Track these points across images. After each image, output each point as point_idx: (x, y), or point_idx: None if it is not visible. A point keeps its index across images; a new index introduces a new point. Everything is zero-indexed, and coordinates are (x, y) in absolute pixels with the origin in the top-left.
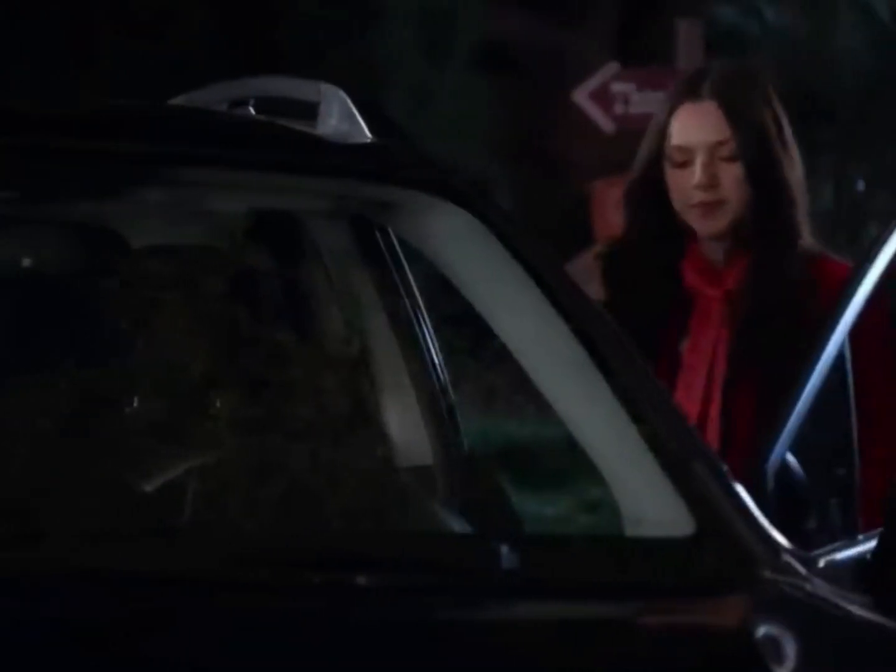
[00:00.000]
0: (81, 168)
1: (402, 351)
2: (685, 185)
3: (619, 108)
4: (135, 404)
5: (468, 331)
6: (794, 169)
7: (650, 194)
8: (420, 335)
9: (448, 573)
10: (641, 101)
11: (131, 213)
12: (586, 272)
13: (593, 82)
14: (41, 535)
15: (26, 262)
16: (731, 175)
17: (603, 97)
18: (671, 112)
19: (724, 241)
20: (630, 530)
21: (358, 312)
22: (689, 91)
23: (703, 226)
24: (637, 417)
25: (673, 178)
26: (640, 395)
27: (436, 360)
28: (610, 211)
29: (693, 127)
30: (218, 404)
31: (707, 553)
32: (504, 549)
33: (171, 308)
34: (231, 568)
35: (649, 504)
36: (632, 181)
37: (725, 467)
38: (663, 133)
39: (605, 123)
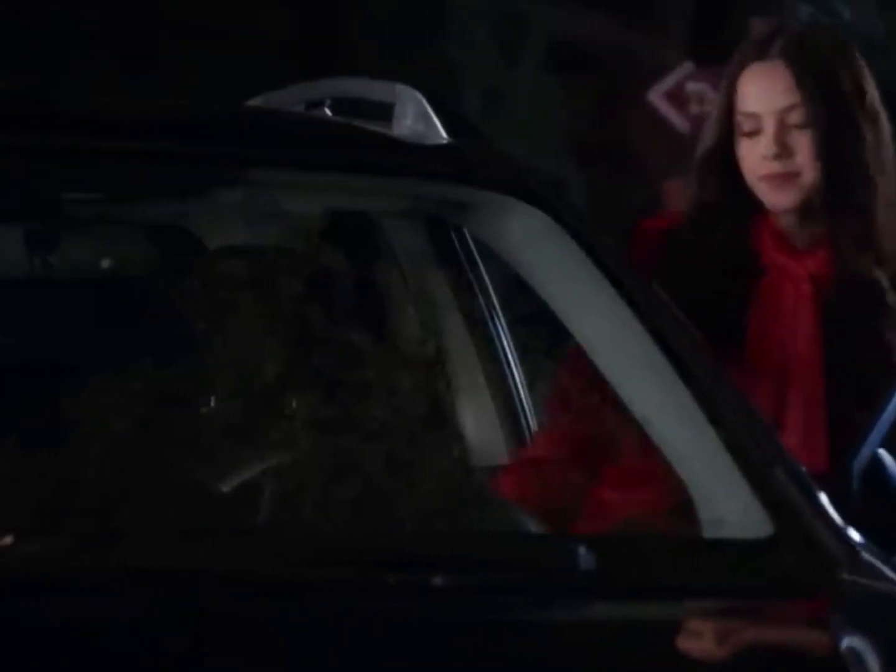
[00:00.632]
0: (159, 170)
1: (476, 351)
2: (754, 156)
3: (693, 108)
4: (211, 405)
5: (543, 331)
6: (880, 146)
7: (719, 166)
8: (495, 335)
9: (524, 573)
10: (716, 100)
11: (208, 215)
12: None
13: (668, 82)
14: (119, 536)
15: (105, 263)
16: (804, 144)
17: (678, 97)
18: (737, 74)
19: (796, 215)
20: (708, 532)
21: (433, 313)
22: (758, 50)
23: (773, 199)
24: (714, 418)
25: (742, 147)
26: (717, 396)
27: (510, 361)
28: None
29: (761, 91)
30: (294, 405)
31: (785, 554)
32: (581, 549)
33: (247, 309)
34: (307, 568)
35: (727, 505)
36: (701, 153)
37: (804, 468)
38: (731, 98)
39: (680, 123)
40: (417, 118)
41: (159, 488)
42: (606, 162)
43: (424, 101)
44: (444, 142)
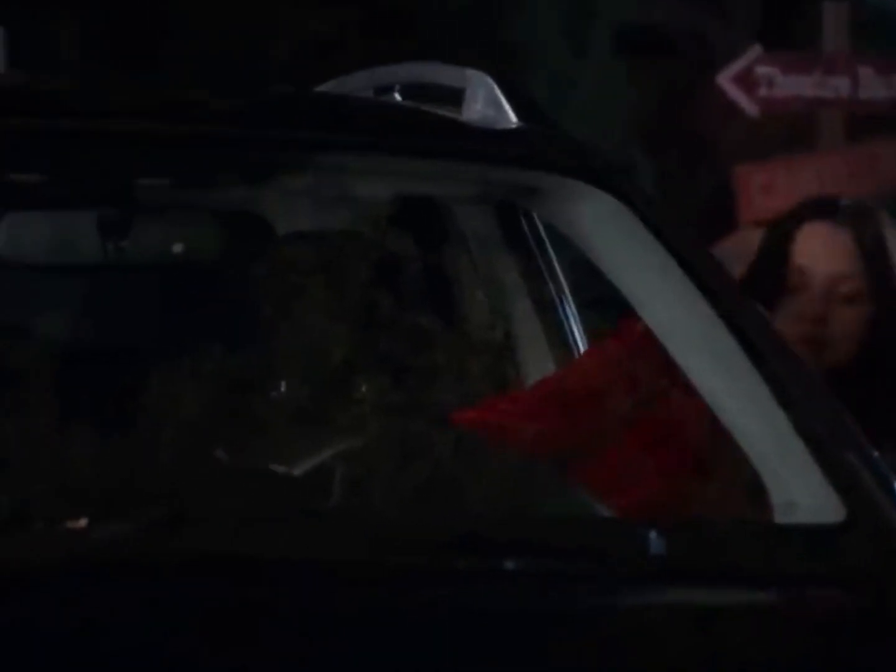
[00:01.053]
0: (230, 155)
1: (546, 336)
2: (791, 313)
3: (763, 92)
4: (281, 389)
5: (613, 316)
6: None
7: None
8: (564, 320)
9: (594, 559)
10: (786, 84)
11: (278, 200)
12: (731, 255)
13: (737, 66)
14: (189, 520)
15: (177, 248)
16: (847, 318)
17: (747, 81)
18: (798, 226)
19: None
20: (779, 517)
21: (502, 298)
22: (821, 210)
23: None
24: (786, 403)
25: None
26: (789, 381)
27: (580, 345)
28: (753, 194)
29: (820, 249)
30: (363, 389)
31: (857, 540)
32: (651, 534)
33: (316, 294)
34: (377, 553)
35: (799, 491)
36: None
37: (876, 453)
38: (784, 248)
39: (749, 107)
40: (488, 103)
41: (230, 473)
42: (675, 147)
43: (495, 86)
44: (515, 126)
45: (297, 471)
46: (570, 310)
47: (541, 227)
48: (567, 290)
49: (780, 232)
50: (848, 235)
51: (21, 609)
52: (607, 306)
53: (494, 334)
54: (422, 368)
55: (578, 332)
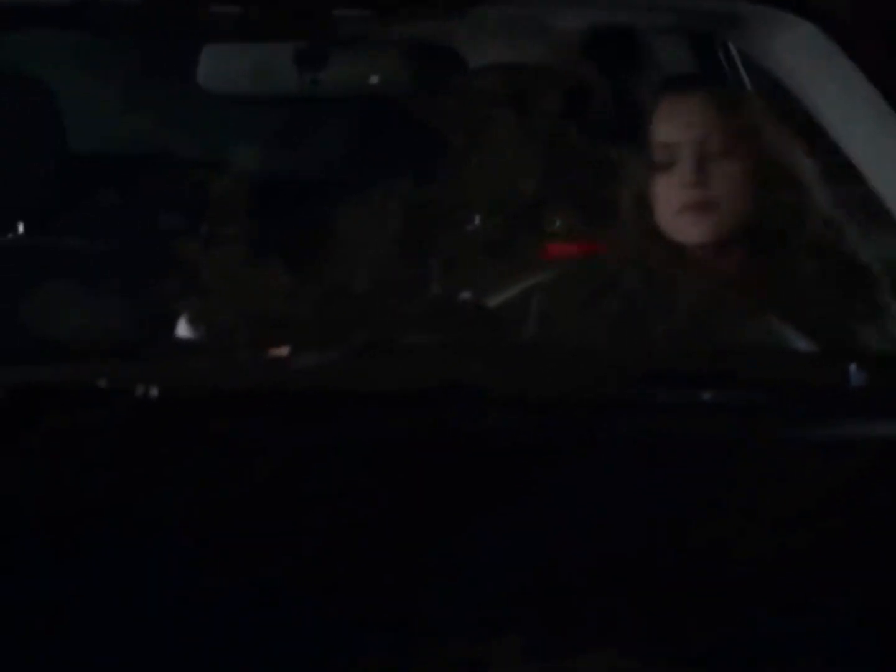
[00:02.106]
0: None
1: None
2: (674, 185)
3: None
4: (476, 222)
5: (811, 146)
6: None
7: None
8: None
9: (793, 390)
10: None
11: (470, 32)
12: None
13: None
14: (388, 350)
15: (373, 79)
16: (725, 172)
17: None
18: (655, 107)
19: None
20: None
21: None
22: (670, 85)
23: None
24: None
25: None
26: None
27: None
28: None
29: (677, 120)
30: (557, 223)
31: None
32: (852, 367)
33: (508, 126)
34: (574, 386)
35: None
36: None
37: None
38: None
39: None
40: None
41: (425, 304)
42: None
43: None
44: None
45: (492, 303)
46: None
47: (737, 57)
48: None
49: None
50: (699, 97)
51: (227, 439)
52: (805, 137)
53: None
54: (611, 201)
55: None
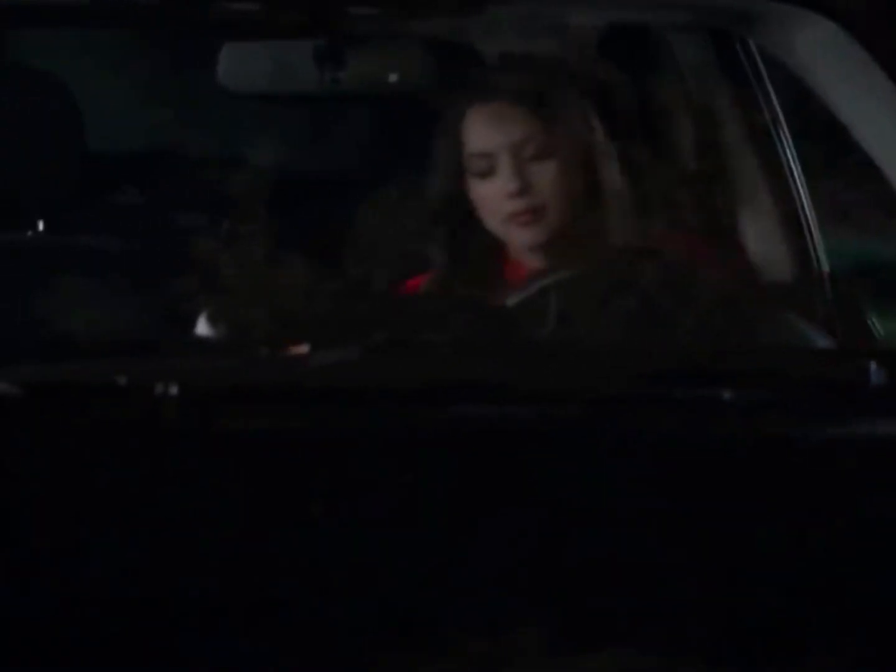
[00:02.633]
0: None
1: (760, 166)
2: (494, 196)
3: None
4: None
5: (830, 144)
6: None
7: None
8: (779, 149)
9: (812, 388)
10: None
11: (487, 28)
12: None
13: None
14: (406, 348)
15: (392, 77)
16: (544, 175)
17: None
18: (461, 116)
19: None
20: None
21: (716, 127)
22: (474, 93)
23: (520, 238)
24: None
25: (477, 189)
26: None
27: (795, 175)
28: None
29: (490, 129)
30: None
31: None
32: (871, 364)
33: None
34: (594, 382)
35: None
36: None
37: None
38: (458, 139)
39: None
40: None
41: (446, 304)
42: None
43: None
44: None
45: (511, 301)
46: (785, 139)
47: (757, 55)
48: (783, 119)
49: (448, 125)
50: (508, 101)
51: (245, 435)
52: (824, 135)
53: (705, 163)
54: (631, 197)
55: (793, 161)
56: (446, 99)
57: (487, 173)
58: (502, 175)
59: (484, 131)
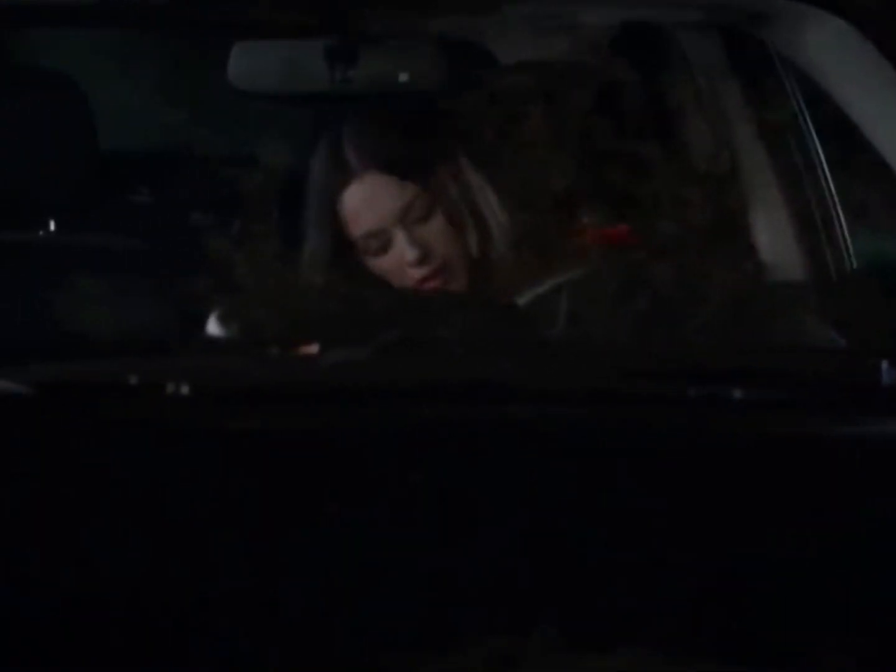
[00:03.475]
0: None
1: (773, 165)
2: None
3: None
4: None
5: (843, 143)
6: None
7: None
8: (791, 148)
9: (823, 388)
10: None
11: (501, 29)
12: None
13: None
14: (417, 347)
15: (403, 77)
16: (432, 236)
17: None
18: (344, 189)
19: None
20: None
21: (728, 126)
22: (344, 170)
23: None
24: None
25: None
26: None
27: (808, 174)
28: None
29: (377, 205)
30: (585, 220)
31: None
32: (884, 365)
33: (538, 123)
34: (606, 380)
35: None
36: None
37: None
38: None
39: None
40: None
41: (456, 300)
42: None
43: None
44: None
45: (522, 300)
46: (798, 138)
47: (773, 54)
48: (795, 118)
49: (330, 202)
50: (372, 175)
51: (255, 435)
52: (837, 134)
53: (717, 162)
54: (643, 197)
55: (806, 160)
56: (319, 182)
57: (383, 249)
58: (399, 247)
59: (362, 212)
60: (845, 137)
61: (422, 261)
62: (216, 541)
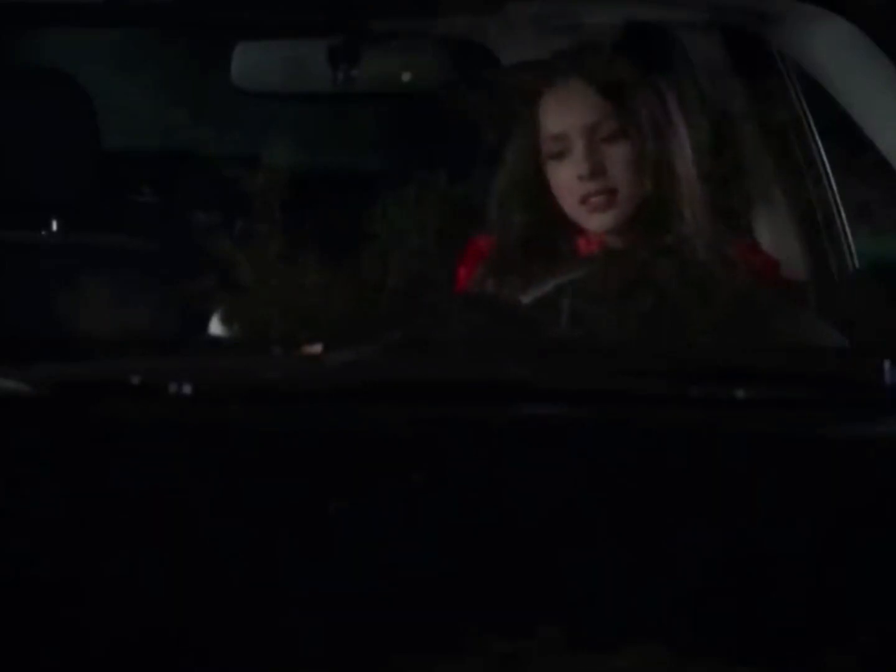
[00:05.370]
0: None
1: (776, 165)
2: (568, 178)
3: None
4: None
5: (847, 144)
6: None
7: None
8: (795, 149)
9: (827, 387)
10: None
11: (502, 29)
12: None
13: None
14: (422, 346)
15: (406, 76)
16: (617, 157)
17: None
18: (536, 97)
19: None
20: None
21: (730, 125)
22: (545, 74)
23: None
24: None
25: (553, 172)
26: None
27: (814, 175)
28: None
29: (564, 110)
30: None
31: None
32: (886, 364)
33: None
34: (610, 379)
35: None
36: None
37: None
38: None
39: None
40: None
41: (458, 301)
42: None
43: None
44: None
45: (526, 300)
46: (801, 138)
47: (776, 55)
48: (799, 119)
49: (521, 107)
50: (582, 82)
51: (259, 434)
52: (841, 135)
53: (719, 162)
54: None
55: (809, 161)
56: (521, 81)
57: (561, 155)
58: (575, 157)
59: (557, 112)
60: (848, 137)
61: (592, 176)
62: (221, 540)
